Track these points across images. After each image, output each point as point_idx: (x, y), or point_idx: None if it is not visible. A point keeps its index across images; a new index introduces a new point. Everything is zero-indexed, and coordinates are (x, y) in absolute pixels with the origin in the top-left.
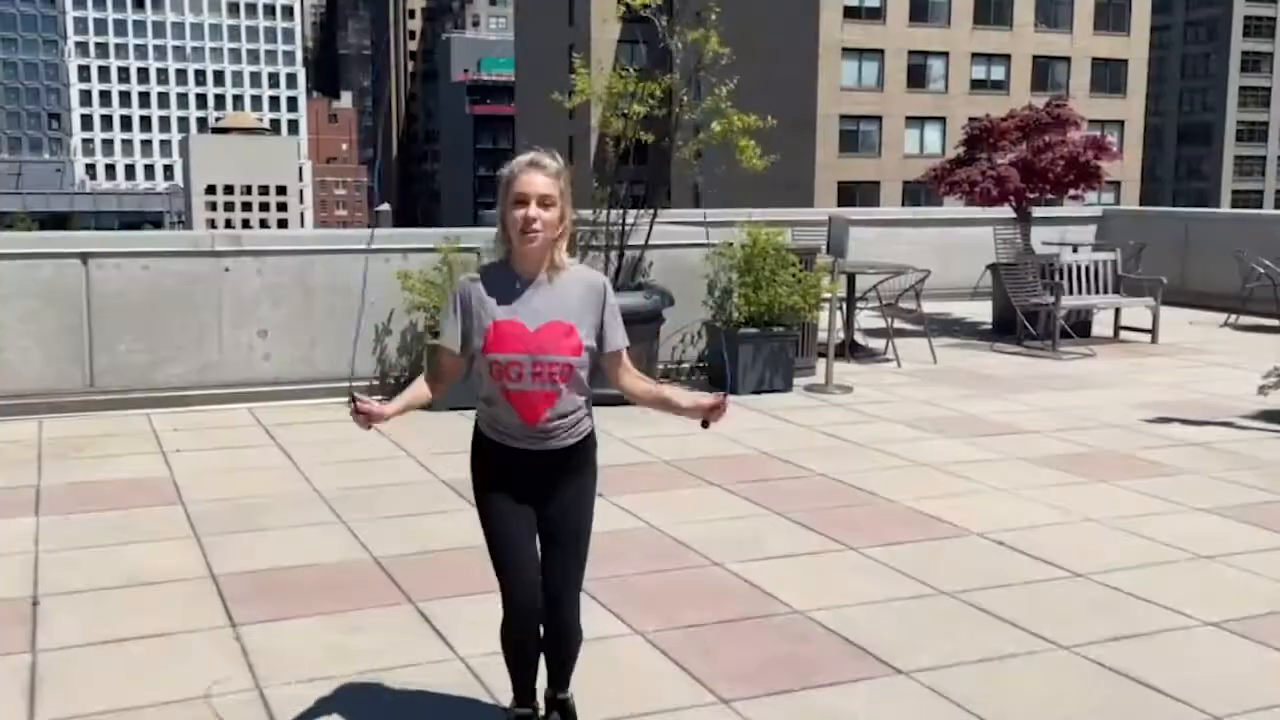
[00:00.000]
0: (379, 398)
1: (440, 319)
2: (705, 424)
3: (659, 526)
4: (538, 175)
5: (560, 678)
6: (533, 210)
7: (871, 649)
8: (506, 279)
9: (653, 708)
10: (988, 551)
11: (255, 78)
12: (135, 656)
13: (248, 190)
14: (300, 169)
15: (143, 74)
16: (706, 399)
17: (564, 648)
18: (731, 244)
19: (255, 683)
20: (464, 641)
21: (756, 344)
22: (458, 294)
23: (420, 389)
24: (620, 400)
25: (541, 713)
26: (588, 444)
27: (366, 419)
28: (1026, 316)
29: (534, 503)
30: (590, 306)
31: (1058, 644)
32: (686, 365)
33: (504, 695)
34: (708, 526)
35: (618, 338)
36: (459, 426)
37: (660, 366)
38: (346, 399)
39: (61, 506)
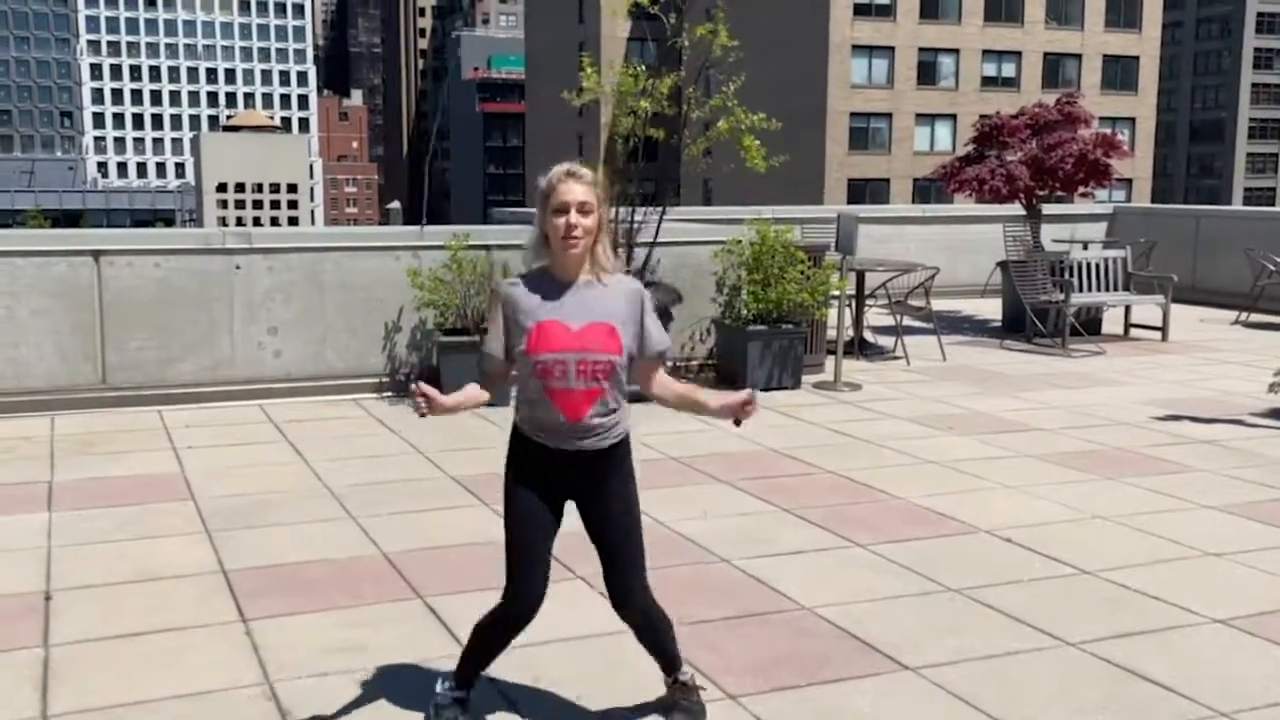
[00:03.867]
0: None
1: (486, 328)
2: (738, 422)
3: (666, 522)
4: (575, 184)
5: (667, 664)
6: (573, 217)
7: (878, 645)
8: (548, 284)
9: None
10: (996, 548)
11: (266, 76)
12: (146, 651)
13: (259, 188)
14: (311, 167)
15: (154, 72)
16: (735, 398)
17: (656, 636)
18: (740, 241)
19: (265, 677)
20: None
21: (765, 341)
22: (500, 300)
23: (474, 390)
24: (632, 397)
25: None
26: (624, 445)
27: (427, 401)
28: (1036, 314)
29: (574, 503)
30: (631, 310)
31: (1065, 641)
32: (695, 362)
33: (512, 690)
34: (715, 523)
35: (662, 340)
36: (468, 424)
37: (669, 364)
38: (406, 388)
39: (74, 502)
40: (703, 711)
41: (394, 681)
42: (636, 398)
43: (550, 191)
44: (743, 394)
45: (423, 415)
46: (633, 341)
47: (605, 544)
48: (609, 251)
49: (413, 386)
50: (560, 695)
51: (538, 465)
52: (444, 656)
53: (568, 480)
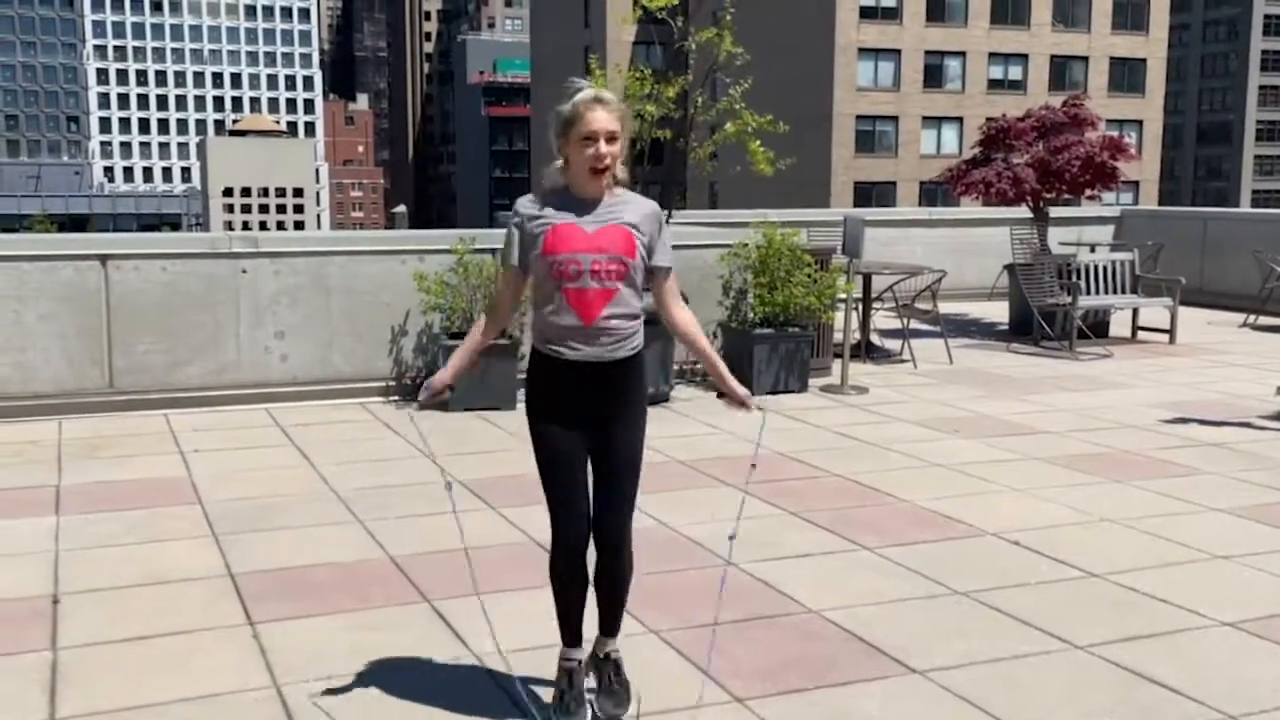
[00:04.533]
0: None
1: (503, 245)
2: (721, 395)
3: (673, 526)
4: (602, 111)
5: (609, 621)
6: (603, 147)
7: (886, 648)
8: (566, 198)
9: (667, 706)
10: (1003, 551)
11: (272, 80)
12: (154, 654)
13: (265, 192)
14: (317, 171)
15: (161, 77)
16: (741, 389)
17: (616, 588)
18: (746, 244)
19: (273, 680)
20: (480, 640)
21: (772, 344)
22: (517, 211)
23: (477, 332)
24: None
25: (588, 676)
26: (638, 361)
27: (433, 395)
28: (1043, 317)
29: (587, 429)
30: (646, 220)
31: (1073, 644)
32: (701, 366)
33: (518, 692)
34: (722, 526)
35: (667, 254)
36: (474, 427)
37: (675, 366)
38: (414, 394)
39: (81, 506)
40: (628, 696)
41: (401, 684)
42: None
43: (576, 118)
44: (745, 395)
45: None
46: (645, 248)
47: (603, 470)
48: (624, 171)
49: (422, 393)
50: None
51: (555, 385)
52: (451, 660)
53: (584, 397)
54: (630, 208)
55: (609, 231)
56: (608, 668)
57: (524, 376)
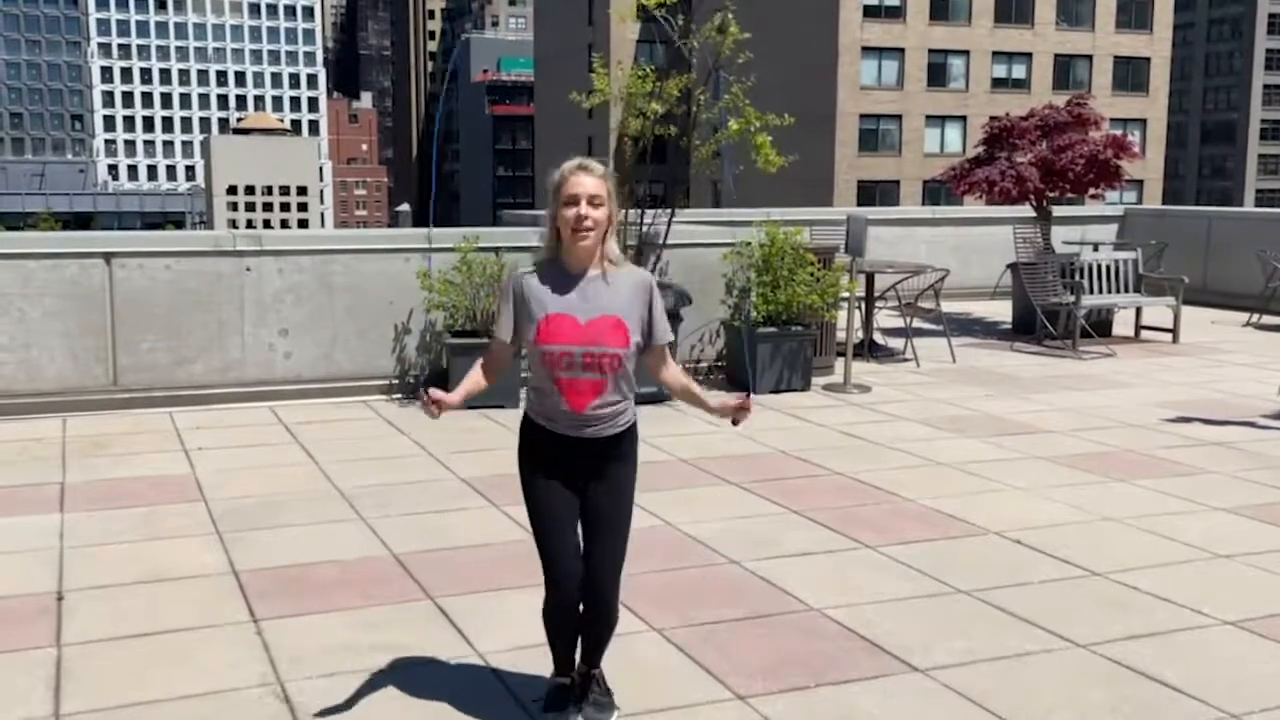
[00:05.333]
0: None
1: (496, 313)
2: (735, 422)
3: (677, 524)
4: (586, 177)
5: (593, 655)
6: (584, 209)
7: (887, 646)
8: (559, 275)
9: (670, 703)
10: (1005, 550)
11: (276, 78)
12: (158, 651)
13: (269, 190)
14: (321, 169)
15: (165, 75)
16: (732, 400)
17: (600, 629)
18: (750, 243)
19: (277, 677)
20: (482, 638)
21: (775, 343)
22: (511, 288)
23: (476, 377)
24: (645, 400)
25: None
26: (629, 435)
27: (437, 407)
28: (1046, 316)
29: (578, 488)
30: (638, 302)
31: (1075, 642)
32: (705, 364)
33: (522, 690)
34: (725, 525)
35: (664, 331)
36: (477, 425)
37: (679, 365)
38: (415, 393)
39: (85, 503)
40: (612, 705)
41: (404, 681)
42: (645, 399)
43: (561, 183)
44: (737, 397)
45: (435, 417)
46: (639, 333)
47: (594, 529)
48: (618, 246)
49: (421, 392)
50: None
51: (546, 450)
52: (453, 657)
53: (573, 463)
54: (622, 290)
55: (601, 323)
56: (591, 683)
57: (523, 388)
